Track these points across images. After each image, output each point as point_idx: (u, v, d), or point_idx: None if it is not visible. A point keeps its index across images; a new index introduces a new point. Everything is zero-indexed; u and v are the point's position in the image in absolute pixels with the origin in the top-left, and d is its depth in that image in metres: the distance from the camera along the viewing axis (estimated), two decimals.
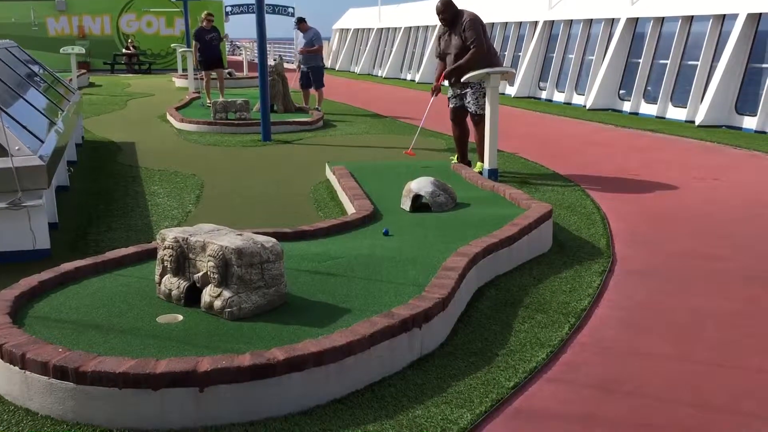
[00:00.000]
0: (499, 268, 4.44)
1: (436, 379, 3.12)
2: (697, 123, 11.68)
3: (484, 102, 7.23)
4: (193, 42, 13.81)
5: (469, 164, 7.68)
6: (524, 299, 4.07)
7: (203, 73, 14.09)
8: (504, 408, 2.91)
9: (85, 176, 7.67)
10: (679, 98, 12.60)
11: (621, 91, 14.10)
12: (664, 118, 12.65)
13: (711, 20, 12.16)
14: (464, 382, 3.09)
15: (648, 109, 13.19)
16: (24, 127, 5.33)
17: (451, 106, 7.75)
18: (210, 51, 13.60)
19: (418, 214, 5.35)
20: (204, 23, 13.53)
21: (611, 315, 3.91)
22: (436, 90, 7.79)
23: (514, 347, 3.44)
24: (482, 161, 7.39)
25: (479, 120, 7.42)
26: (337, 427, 2.72)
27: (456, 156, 7.95)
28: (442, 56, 7.67)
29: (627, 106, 13.69)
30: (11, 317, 3.20)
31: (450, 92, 7.78)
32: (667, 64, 12.88)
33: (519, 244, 4.62)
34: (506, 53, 18.40)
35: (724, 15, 11.96)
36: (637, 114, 13.34)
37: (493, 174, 7.14)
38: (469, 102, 7.45)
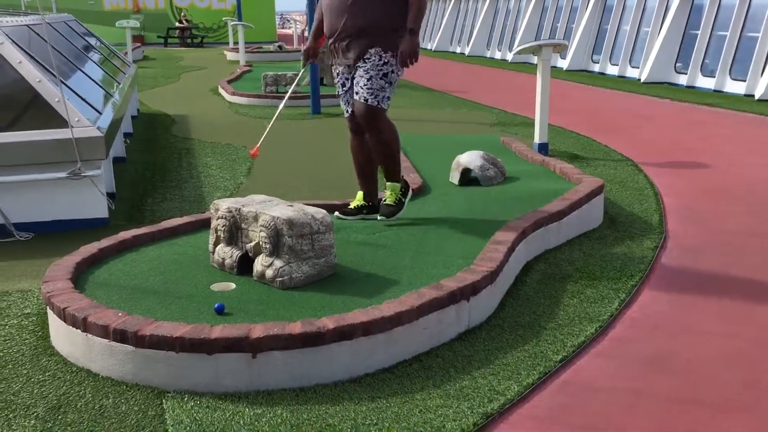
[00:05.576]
0: (548, 243, 4.42)
1: (483, 351, 3.14)
2: (756, 97, 11.31)
3: (385, 87, 4.13)
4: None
5: (372, 208, 4.48)
6: (574, 274, 4.04)
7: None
8: (551, 381, 2.92)
9: (141, 148, 7.85)
10: (739, 71, 12.20)
11: (677, 64, 13.72)
12: (722, 91, 12.28)
13: None
14: (512, 355, 3.10)
15: (705, 82, 12.82)
16: (83, 99, 5.48)
17: (348, 109, 4.33)
18: None
19: (467, 188, 5.34)
20: None
21: (663, 291, 3.87)
22: (312, 54, 4.56)
23: (563, 321, 3.44)
24: (394, 180, 4.37)
25: (373, 118, 4.15)
26: (385, 395, 2.78)
27: (358, 198, 4.52)
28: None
29: (683, 80, 13.33)
30: (73, 282, 3.33)
31: (337, 70, 4.36)
32: (726, 35, 12.47)
33: (569, 218, 4.58)
34: (558, 24, 18.06)
35: None
36: (693, 87, 12.99)
37: (544, 148, 7.07)
38: (358, 84, 4.15)
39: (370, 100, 4.12)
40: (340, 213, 4.50)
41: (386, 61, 4.13)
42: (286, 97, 4.97)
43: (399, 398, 2.76)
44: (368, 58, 4.13)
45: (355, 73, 4.21)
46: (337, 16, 4.17)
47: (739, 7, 12.34)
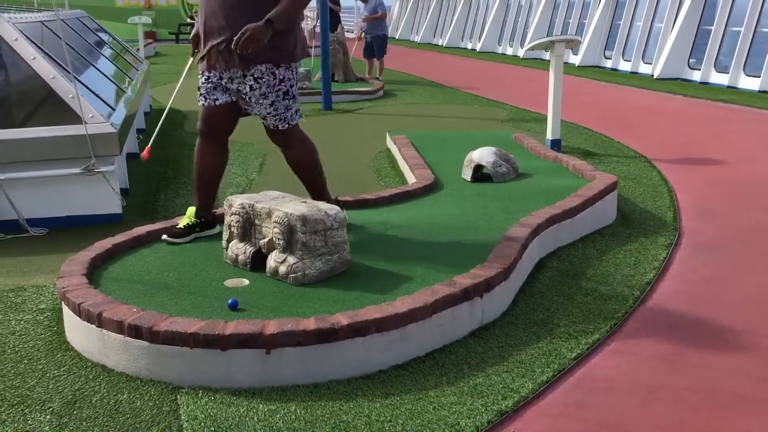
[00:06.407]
0: (561, 240, 4.40)
1: (497, 347, 3.13)
2: None
3: (291, 105, 3.83)
4: None
5: (205, 224, 4.01)
6: (587, 271, 4.03)
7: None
8: (566, 378, 2.91)
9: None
10: (753, 67, 12.09)
11: (691, 60, 13.63)
12: (735, 87, 12.18)
13: None
14: (525, 352, 3.09)
15: (719, 78, 12.72)
16: (96, 95, 5.50)
17: (206, 102, 3.84)
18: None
19: (479, 184, 5.32)
20: None
21: (677, 289, 3.84)
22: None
23: (577, 318, 3.42)
24: (322, 199, 4.06)
25: (286, 138, 3.94)
26: (399, 392, 2.77)
27: (188, 214, 4.00)
28: None
29: (697, 75, 13.23)
30: (87, 278, 3.34)
31: (205, 77, 3.83)
32: (740, 31, 12.37)
33: (582, 215, 4.56)
34: (570, 20, 17.98)
35: None
36: (707, 83, 12.89)
37: (556, 144, 7.03)
38: (259, 110, 3.81)
39: (281, 126, 3.86)
40: (167, 236, 3.91)
41: (282, 77, 3.73)
42: (180, 80, 4.80)
43: (413, 395, 2.75)
44: (260, 78, 3.69)
45: (247, 90, 3.73)
46: (215, 13, 3.60)
47: (754, 3, 12.24)
